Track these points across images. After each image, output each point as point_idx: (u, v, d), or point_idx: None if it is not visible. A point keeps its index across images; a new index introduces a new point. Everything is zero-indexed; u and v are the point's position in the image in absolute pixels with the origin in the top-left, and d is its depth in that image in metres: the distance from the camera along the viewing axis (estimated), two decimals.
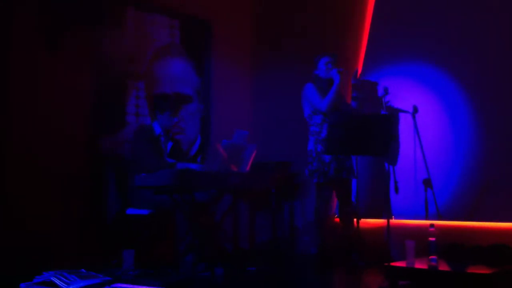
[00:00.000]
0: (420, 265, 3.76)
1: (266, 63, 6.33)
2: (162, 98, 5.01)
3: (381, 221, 5.01)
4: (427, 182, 4.97)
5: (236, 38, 6.50)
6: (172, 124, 4.82)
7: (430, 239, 3.79)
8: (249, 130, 4.67)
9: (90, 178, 4.97)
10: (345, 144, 4.08)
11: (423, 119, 5.17)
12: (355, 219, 4.58)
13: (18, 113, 4.58)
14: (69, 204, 4.76)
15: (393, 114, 5.16)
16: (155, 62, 5.70)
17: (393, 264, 3.83)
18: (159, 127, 4.78)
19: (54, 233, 4.56)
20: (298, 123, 5.07)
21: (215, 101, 6.19)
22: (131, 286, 3.78)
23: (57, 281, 3.64)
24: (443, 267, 3.72)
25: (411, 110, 5.19)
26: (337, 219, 5.49)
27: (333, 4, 5.93)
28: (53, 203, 4.66)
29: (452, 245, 4.09)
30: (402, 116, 5.29)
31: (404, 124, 5.28)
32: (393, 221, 5.02)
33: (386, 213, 4.05)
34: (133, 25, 5.53)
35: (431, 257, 3.76)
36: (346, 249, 4.71)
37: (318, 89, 4.77)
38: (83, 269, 3.93)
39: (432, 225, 3.82)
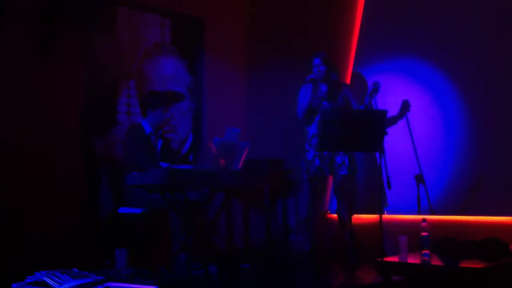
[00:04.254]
0: (413, 260, 3.76)
1: (261, 60, 6.30)
2: (153, 95, 5.00)
3: (373, 217, 5.00)
4: (419, 178, 4.97)
5: (230, 36, 6.47)
6: (164, 120, 4.81)
7: (423, 233, 3.80)
8: (243, 127, 4.68)
9: (83, 177, 4.96)
10: (338, 141, 4.07)
11: (415, 114, 5.16)
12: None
13: (9, 113, 4.57)
14: (62, 203, 4.75)
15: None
16: (146, 61, 5.69)
17: (386, 259, 3.82)
18: (148, 126, 4.76)
19: (46, 232, 4.55)
20: (292, 120, 5.08)
21: (208, 99, 6.17)
22: (123, 284, 3.77)
23: (49, 281, 3.62)
24: (436, 261, 3.72)
25: (400, 104, 5.19)
26: (330, 215, 5.51)
27: (325, 2, 5.93)
28: (45, 203, 4.65)
29: (445, 240, 4.08)
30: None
31: None
32: (386, 216, 5.01)
33: (378, 209, 4.03)
34: (125, 24, 5.52)
35: (423, 251, 3.76)
36: (340, 245, 4.73)
37: (311, 90, 4.85)
38: (75, 269, 3.91)
39: (424, 220, 3.83)
